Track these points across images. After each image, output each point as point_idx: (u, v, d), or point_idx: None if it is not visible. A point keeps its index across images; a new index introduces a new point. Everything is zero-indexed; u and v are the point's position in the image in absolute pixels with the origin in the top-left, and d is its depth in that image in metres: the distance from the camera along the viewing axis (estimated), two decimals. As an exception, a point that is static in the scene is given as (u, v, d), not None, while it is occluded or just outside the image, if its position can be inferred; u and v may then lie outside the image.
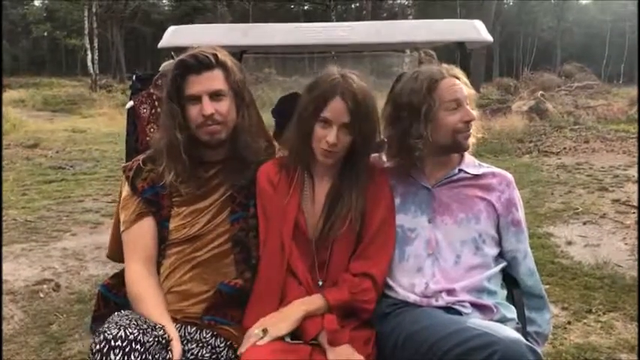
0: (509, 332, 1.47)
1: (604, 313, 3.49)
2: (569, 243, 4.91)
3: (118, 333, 1.43)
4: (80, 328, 3.36)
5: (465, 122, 1.77)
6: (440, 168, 1.86)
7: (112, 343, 1.41)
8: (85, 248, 4.87)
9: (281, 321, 1.59)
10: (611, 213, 5.84)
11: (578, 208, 6.03)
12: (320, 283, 1.72)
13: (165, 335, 1.53)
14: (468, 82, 1.85)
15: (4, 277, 4.14)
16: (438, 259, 1.77)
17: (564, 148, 9.95)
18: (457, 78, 1.82)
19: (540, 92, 14.64)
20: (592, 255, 4.58)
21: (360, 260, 1.73)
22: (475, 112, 1.82)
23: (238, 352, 1.56)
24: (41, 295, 3.89)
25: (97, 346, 1.41)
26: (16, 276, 4.21)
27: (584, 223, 5.53)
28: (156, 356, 1.47)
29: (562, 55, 45.51)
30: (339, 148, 1.69)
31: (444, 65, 1.86)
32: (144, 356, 1.43)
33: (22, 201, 6.64)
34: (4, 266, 4.40)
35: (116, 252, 2.00)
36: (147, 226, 1.78)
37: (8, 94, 21.63)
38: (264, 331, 1.56)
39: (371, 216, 1.76)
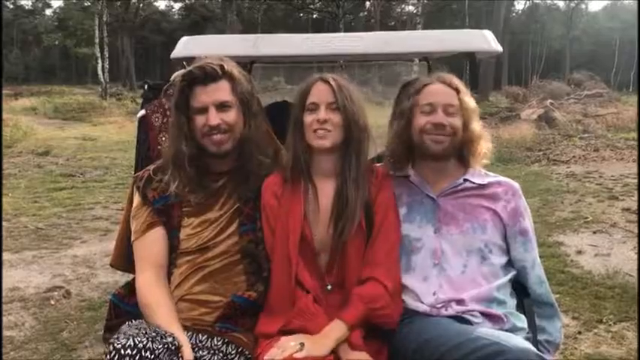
0: (519, 341, 1.48)
1: (615, 323, 3.46)
2: (580, 252, 4.88)
3: (127, 342, 1.44)
4: (90, 335, 3.38)
5: (433, 124, 1.78)
6: (443, 178, 1.87)
7: (122, 352, 1.43)
8: (95, 255, 4.90)
9: (319, 344, 1.58)
10: (622, 222, 5.81)
11: (588, 217, 6.00)
12: (329, 287, 1.74)
13: (175, 342, 1.54)
14: (466, 92, 1.86)
15: (15, 285, 4.19)
16: (445, 269, 1.77)
17: (574, 157, 9.91)
18: (454, 89, 1.82)
19: (549, 100, 14.61)
20: (602, 264, 4.55)
21: (365, 266, 1.73)
22: (477, 126, 1.84)
23: (265, 358, 1.55)
24: (52, 302, 3.91)
25: (108, 357, 1.43)
26: (27, 283, 4.24)
27: (595, 232, 5.49)
28: None
29: (571, 63, 45.40)
30: (331, 126, 1.71)
31: (442, 74, 1.88)
32: None
33: (33, 208, 6.70)
34: (16, 273, 4.45)
35: (119, 260, 2.02)
36: (157, 235, 1.80)
37: (20, 102, 21.86)
38: (302, 344, 1.56)
39: (375, 219, 1.77)
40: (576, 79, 20.49)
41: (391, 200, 1.82)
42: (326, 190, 1.78)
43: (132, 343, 1.44)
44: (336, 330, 1.62)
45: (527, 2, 54.79)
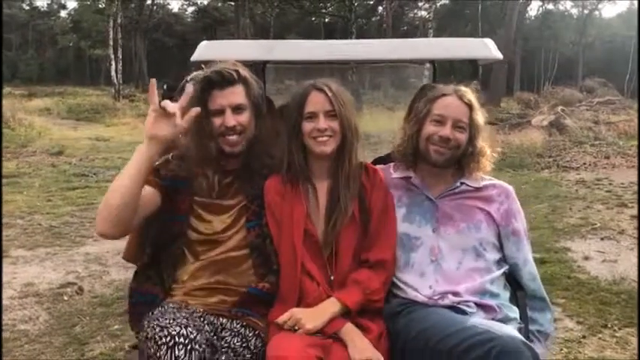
0: (508, 330, 1.62)
1: (620, 329, 3.49)
2: (587, 258, 4.90)
3: (180, 331, 1.55)
4: (102, 330, 3.47)
5: (439, 136, 1.88)
6: (441, 181, 1.98)
7: (177, 339, 1.53)
8: (107, 254, 4.99)
9: (314, 319, 1.70)
10: (630, 229, 5.81)
11: (596, 224, 6.01)
12: (332, 277, 1.83)
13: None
14: (479, 108, 1.94)
15: (30, 280, 4.30)
16: (441, 265, 1.89)
17: (584, 164, 9.89)
18: (467, 105, 1.91)
19: (561, 107, 14.58)
20: (609, 270, 4.57)
21: (370, 250, 1.85)
22: (480, 143, 1.92)
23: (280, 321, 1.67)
24: (65, 297, 4.01)
25: (163, 339, 1.53)
26: (42, 279, 4.35)
27: (602, 239, 5.51)
28: (206, 356, 1.59)
29: (584, 69, 45.06)
30: (330, 132, 1.82)
31: (460, 87, 1.96)
32: (202, 355, 1.56)
33: (47, 207, 6.83)
34: (30, 269, 4.57)
35: (132, 254, 2.12)
36: (147, 192, 1.83)
37: (34, 103, 22.14)
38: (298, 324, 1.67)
39: (371, 210, 1.87)
40: (588, 86, 20.46)
41: (389, 198, 1.93)
42: (323, 189, 1.89)
43: (185, 333, 1.55)
44: (333, 307, 1.73)
45: (541, 9, 54.59)
